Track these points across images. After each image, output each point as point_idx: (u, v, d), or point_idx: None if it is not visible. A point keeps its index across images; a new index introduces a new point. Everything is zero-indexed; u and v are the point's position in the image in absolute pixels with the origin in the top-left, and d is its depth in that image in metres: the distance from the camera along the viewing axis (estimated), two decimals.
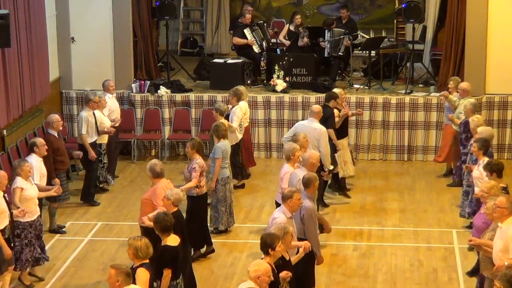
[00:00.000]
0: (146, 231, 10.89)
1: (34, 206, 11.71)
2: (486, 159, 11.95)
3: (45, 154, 12.76)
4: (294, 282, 9.90)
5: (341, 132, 14.70)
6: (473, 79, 16.92)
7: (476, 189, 11.78)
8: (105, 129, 15.17)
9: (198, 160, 12.43)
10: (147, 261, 9.01)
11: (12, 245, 11.31)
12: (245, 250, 12.88)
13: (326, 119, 14.14)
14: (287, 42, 18.72)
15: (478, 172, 12.01)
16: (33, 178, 12.14)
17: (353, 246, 13.07)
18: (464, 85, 15.42)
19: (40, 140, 12.75)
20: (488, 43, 17.03)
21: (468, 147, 13.34)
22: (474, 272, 11.29)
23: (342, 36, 18.38)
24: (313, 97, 17.31)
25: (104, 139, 15.32)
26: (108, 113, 15.70)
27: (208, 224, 13.37)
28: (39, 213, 11.86)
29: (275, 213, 10.22)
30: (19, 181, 11.58)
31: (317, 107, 14.05)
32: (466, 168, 12.95)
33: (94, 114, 14.94)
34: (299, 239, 10.28)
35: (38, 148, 12.59)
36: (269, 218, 10.64)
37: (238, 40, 18.58)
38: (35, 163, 12.40)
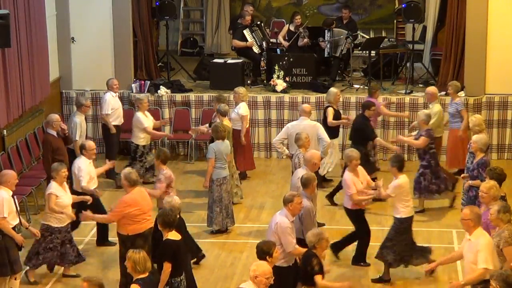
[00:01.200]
0: (122, 241, 11.11)
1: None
2: (402, 176, 11.84)
3: (94, 157, 12.86)
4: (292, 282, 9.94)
5: (334, 132, 14.88)
6: (473, 79, 16.93)
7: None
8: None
9: (165, 171, 12.22)
10: (146, 275, 8.87)
11: (23, 245, 11.36)
12: (245, 250, 12.88)
13: (363, 131, 14.23)
14: (286, 43, 18.72)
15: (392, 188, 11.81)
16: (82, 180, 12.44)
17: (353, 246, 13.06)
18: (431, 89, 15.27)
19: (89, 144, 12.81)
20: (488, 43, 17.02)
21: (468, 148, 13.32)
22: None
23: (342, 36, 18.38)
24: (313, 97, 17.32)
25: (147, 139, 15.55)
26: (110, 112, 15.73)
27: (206, 224, 13.53)
28: (69, 221, 11.91)
29: (277, 217, 10.19)
30: (53, 187, 11.61)
31: (307, 106, 14.28)
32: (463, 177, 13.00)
33: (86, 119, 15.02)
34: (298, 239, 10.30)
35: (87, 152, 12.68)
36: (269, 218, 10.65)
37: (238, 43, 18.57)
38: (84, 165, 12.56)
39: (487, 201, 10.38)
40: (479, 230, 9.51)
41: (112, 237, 13.40)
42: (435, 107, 15.02)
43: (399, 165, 11.82)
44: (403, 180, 11.80)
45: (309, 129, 13.64)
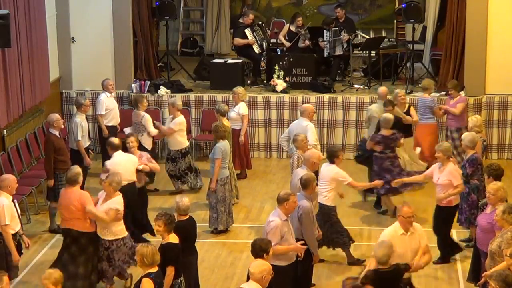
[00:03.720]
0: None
1: None
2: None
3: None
4: (293, 281, 9.93)
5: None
6: (473, 79, 16.93)
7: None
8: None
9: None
10: (156, 269, 8.97)
11: (22, 251, 11.31)
12: (245, 250, 12.86)
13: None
14: (287, 44, 18.71)
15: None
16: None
17: (353, 246, 13.03)
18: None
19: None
20: (488, 43, 17.02)
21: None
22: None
23: (337, 37, 18.35)
24: (313, 97, 17.32)
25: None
26: (105, 113, 15.71)
27: (208, 225, 13.55)
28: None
29: (270, 217, 10.19)
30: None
31: (306, 107, 14.18)
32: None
33: (86, 118, 14.98)
34: (297, 240, 10.30)
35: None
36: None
37: (238, 41, 18.58)
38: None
39: (494, 202, 10.35)
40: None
41: None
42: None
43: (328, 155, 12.29)
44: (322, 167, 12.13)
45: (300, 129, 13.64)
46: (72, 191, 11.28)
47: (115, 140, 12.97)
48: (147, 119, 15.17)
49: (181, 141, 15.26)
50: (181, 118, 15.25)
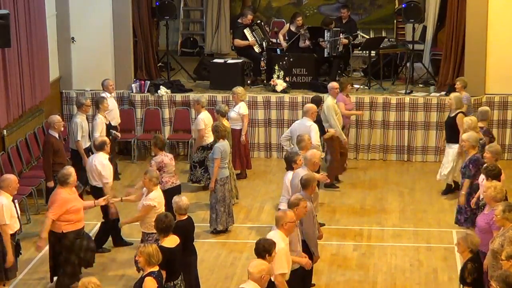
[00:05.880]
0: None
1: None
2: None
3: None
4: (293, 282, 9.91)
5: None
6: (473, 79, 16.91)
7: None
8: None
9: (156, 156, 12.86)
10: (157, 268, 8.98)
11: (21, 251, 11.30)
12: (245, 250, 12.87)
13: None
14: (285, 44, 18.70)
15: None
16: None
17: (353, 246, 13.08)
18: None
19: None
20: (488, 43, 17.03)
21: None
22: None
23: (337, 37, 18.35)
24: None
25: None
26: (106, 113, 15.70)
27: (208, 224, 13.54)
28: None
29: None
30: None
31: (310, 107, 14.18)
32: None
33: (87, 118, 14.94)
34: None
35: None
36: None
37: (239, 42, 18.56)
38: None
39: (487, 201, 10.37)
40: None
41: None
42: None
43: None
44: None
45: (303, 129, 13.65)
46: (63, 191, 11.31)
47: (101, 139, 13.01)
48: (98, 123, 14.87)
49: (208, 136, 15.24)
50: (206, 114, 15.35)
